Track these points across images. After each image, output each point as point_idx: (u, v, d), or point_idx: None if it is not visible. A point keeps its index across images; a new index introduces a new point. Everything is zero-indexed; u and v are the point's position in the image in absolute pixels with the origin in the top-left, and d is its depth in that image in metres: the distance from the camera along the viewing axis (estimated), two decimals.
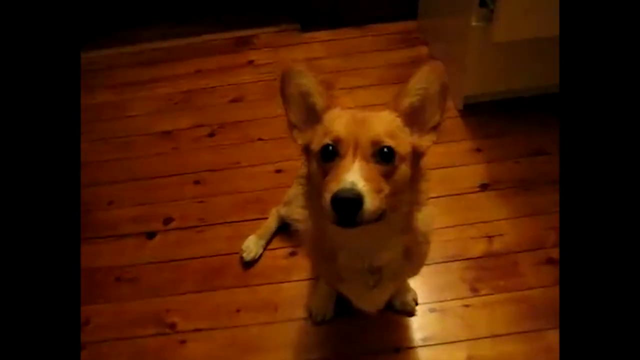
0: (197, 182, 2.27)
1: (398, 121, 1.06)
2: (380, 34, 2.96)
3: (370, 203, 0.93)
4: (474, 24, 2.10)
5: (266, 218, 2.02)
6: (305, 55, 2.86)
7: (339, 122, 1.04)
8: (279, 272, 1.91)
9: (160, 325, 1.81)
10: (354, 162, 0.96)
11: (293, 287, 1.87)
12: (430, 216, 1.27)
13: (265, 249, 1.98)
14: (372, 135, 1.00)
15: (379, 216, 0.98)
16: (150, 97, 2.74)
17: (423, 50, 2.83)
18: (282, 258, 1.96)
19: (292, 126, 1.14)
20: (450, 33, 2.49)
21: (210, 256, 1.99)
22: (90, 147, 2.46)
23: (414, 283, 1.79)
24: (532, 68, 2.23)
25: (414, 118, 1.07)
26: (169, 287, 1.91)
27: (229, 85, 2.73)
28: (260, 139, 2.41)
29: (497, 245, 1.92)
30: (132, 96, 2.76)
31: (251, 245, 1.95)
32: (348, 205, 0.92)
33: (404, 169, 1.02)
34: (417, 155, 1.08)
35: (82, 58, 3.00)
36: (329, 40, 2.95)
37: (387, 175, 1.00)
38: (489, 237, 1.94)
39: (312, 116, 1.11)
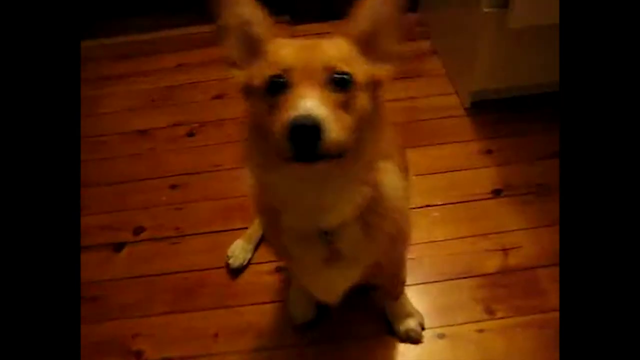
0: (173, 187, 2.03)
1: (351, 47, 0.95)
2: None
3: (333, 130, 0.82)
4: (485, 10, 1.88)
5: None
6: None
7: (286, 50, 0.92)
8: (263, 291, 1.67)
9: (126, 354, 1.56)
10: (308, 88, 0.85)
11: (280, 308, 1.62)
12: (398, 181, 1.13)
13: (253, 254, 1.76)
14: (325, 60, 0.89)
15: (341, 153, 0.87)
16: (126, 93, 2.51)
17: (424, 44, 2.61)
18: (267, 274, 1.71)
19: (230, 63, 0.99)
20: (456, 24, 2.29)
21: (186, 271, 1.75)
22: None
23: (418, 303, 1.56)
24: (548, 60, 2.00)
25: (368, 45, 0.96)
26: (137, 308, 1.67)
27: (212, 80, 2.50)
28: (244, 140, 2.16)
29: (514, 259, 1.69)
30: (106, 91, 2.53)
31: (237, 251, 1.73)
32: (307, 133, 0.80)
33: (363, 99, 0.91)
34: (375, 86, 0.96)
35: None
36: (321, 33, 2.71)
37: (346, 106, 0.88)
38: (504, 250, 1.71)
39: (253, 49, 0.97)
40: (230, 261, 1.73)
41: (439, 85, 2.36)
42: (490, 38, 1.96)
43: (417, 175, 1.87)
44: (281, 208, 1.04)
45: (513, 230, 1.76)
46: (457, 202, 1.86)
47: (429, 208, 1.86)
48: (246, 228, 1.80)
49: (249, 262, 1.74)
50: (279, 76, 0.88)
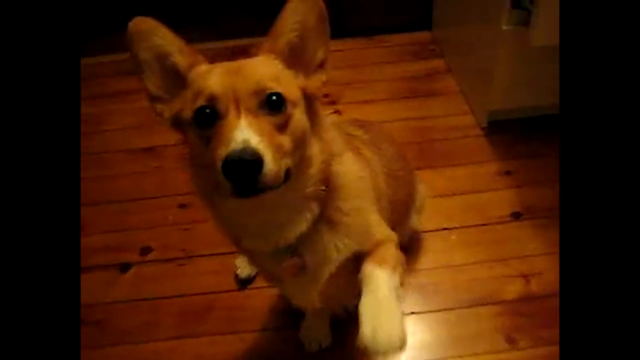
0: (182, 206, 1.96)
1: (278, 63, 0.91)
2: (391, 45, 2.70)
3: (272, 162, 0.77)
4: (504, 27, 1.84)
5: None
6: None
7: (210, 77, 0.86)
8: (273, 316, 1.60)
9: None
10: (239, 117, 0.80)
11: (292, 335, 1.54)
12: (351, 165, 1.05)
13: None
14: (253, 84, 0.83)
15: (285, 178, 0.83)
16: (132, 110, 2.45)
17: (439, 62, 2.56)
18: (279, 297, 1.63)
19: (152, 98, 0.93)
20: (472, 42, 2.24)
21: (193, 294, 1.68)
22: None
23: (435, 332, 1.48)
24: None
25: (295, 58, 0.93)
26: (142, 332, 1.59)
27: None
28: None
29: (535, 286, 1.61)
30: (111, 108, 2.48)
31: (246, 261, 1.65)
32: (245, 169, 0.75)
33: (299, 117, 0.88)
34: (309, 99, 0.92)
35: None
36: (335, 50, 2.65)
37: (282, 127, 0.84)
38: (525, 276, 1.64)
39: (176, 80, 0.92)
40: (238, 271, 1.67)
41: (454, 105, 2.31)
42: (508, 56, 1.91)
43: (433, 196, 1.80)
44: (235, 234, 1.00)
45: (534, 255, 1.69)
46: (476, 225, 1.79)
47: (446, 231, 1.79)
48: None
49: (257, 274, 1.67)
50: (206, 107, 0.83)
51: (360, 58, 2.59)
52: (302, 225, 0.96)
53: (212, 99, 0.83)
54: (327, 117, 1.02)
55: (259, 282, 1.66)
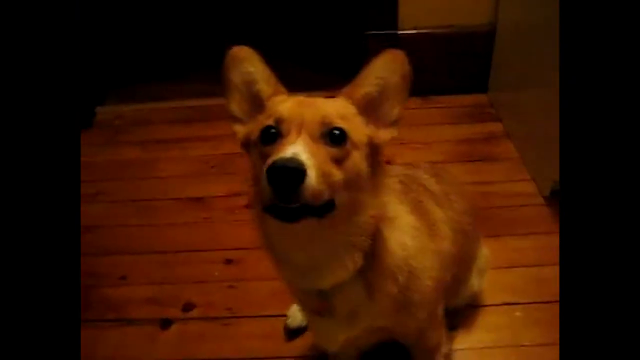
0: (228, 262, 1.88)
1: (352, 108, 0.96)
2: (446, 107, 2.64)
3: (315, 178, 0.80)
4: None
5: None
6: None
7: (283, 104, 0.94)
8: None
9: None
10: (297, 137, 0.86)
11: None
12: (408, 239, 1.06)
13: None
14: (321, 115, 0.89)
15: (327, 206, 0.86)
16: (183, 158, 2.42)
17: (496, 126, 2.48)
18: None
19: (233, 118, 1.02)
20: (532, 106, 2.16)
21: (238, 359, 1.57)
22: (106, 208, 2.12)
23: None
24: None
25: (370, 109, 0.97)
26: None
27: None
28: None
29: None
30: (162, 155, 2.45)
31: (298, 311, 1.58)
32: (286, 175, 0.78)
33: (357, 157, 0.91)
34: (374, 148, 0.96)
35: (108, 112, 2.76)
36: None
37: (338, 162, 0.88)
38: None
39: (256, 106, 1.00)
40: (289, 321, 1.61)
41: (514, 171, 2.21)
42: None
43: (495, 268, 1.68)
44: (277, 261, 1.01)
45: None
46: (543, 302, 1.66)
47: (511, 306, 1.66)
48: None
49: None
50: (271, 127, 0.89)
51: (416, 118, 2.52)
52: (341, 274, 0.97)
53: (279, 121, 0.89)
54: (388, 178, 1.04)
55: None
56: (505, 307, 1.67)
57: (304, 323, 1.58)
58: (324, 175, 0.82)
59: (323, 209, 0.85)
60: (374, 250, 0.99)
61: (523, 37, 2.28)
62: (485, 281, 1.60)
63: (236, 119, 1.02)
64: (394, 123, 0.98)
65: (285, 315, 1.64)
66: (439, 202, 1.25)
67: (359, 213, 0.94)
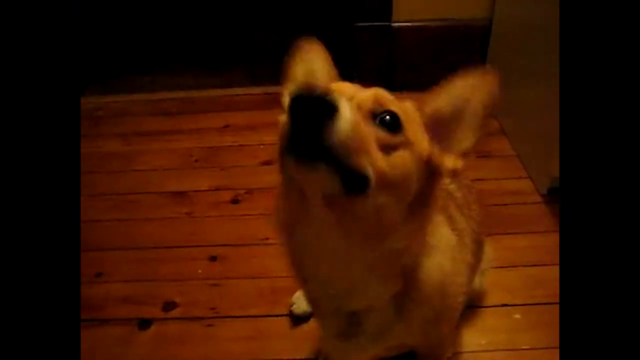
0: (212, 259, 1.78)
1: (417, 114, 0.83)
2: None
3: (349, 123, 0.64)
4: None
5: None
6: None
7: (339, 86, 0.81)
8: None
9: None
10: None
11: None
12: (447, 263, 0.98)
13: None
14: (374, 95, 0.77)
15: (356, 180, 0.68)
16: (166, 151, 2.31)
17: (492, 123, 2.40)
18: None
19: (284, 110, 0.86)
20: (530, 103, 2.10)
21: None
22: (83, 201, 1.99)
23: None
24: None
25: (437, 129, 0.84)
26: None
27: (261, 145, 2.30)
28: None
29: None
30: (143, 148, 2.34)
31: (303, 297, 1.49)
32: (313, 108, 0.63)
33: (408, 158, 0.77)
34: (432, 174, 0.82)
35: (90, 102, 2.64)
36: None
37: (385, 149, 0.73)
38: None
39: None
40: (294, 307, 1.55)
41: (510, 168, 2.14)
42: None
43: (492, 267, 1.61)
44: (305, 276, 0.94)
45: None
46: (543, 304, 1.58)
47: (509, 308, 1.58)
48: None
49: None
50: None
51: None
52: (372, 295, 0.89)
53: (327, 93, 0.73)
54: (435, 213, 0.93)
55: None
56: (503, 308, 1.59)
57: (309, 310, 1.49)
58: (362, 141, 0.68)
59: (351, 179, 0.69)
60: (410, 272, 0.91)
61: (520, 33, 2.23)
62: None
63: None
64: (462, 154, 0.85)
65: (274, 315, 1.56)
66: (463, 210, 1.16)
67: (399, 228, 0.81)
